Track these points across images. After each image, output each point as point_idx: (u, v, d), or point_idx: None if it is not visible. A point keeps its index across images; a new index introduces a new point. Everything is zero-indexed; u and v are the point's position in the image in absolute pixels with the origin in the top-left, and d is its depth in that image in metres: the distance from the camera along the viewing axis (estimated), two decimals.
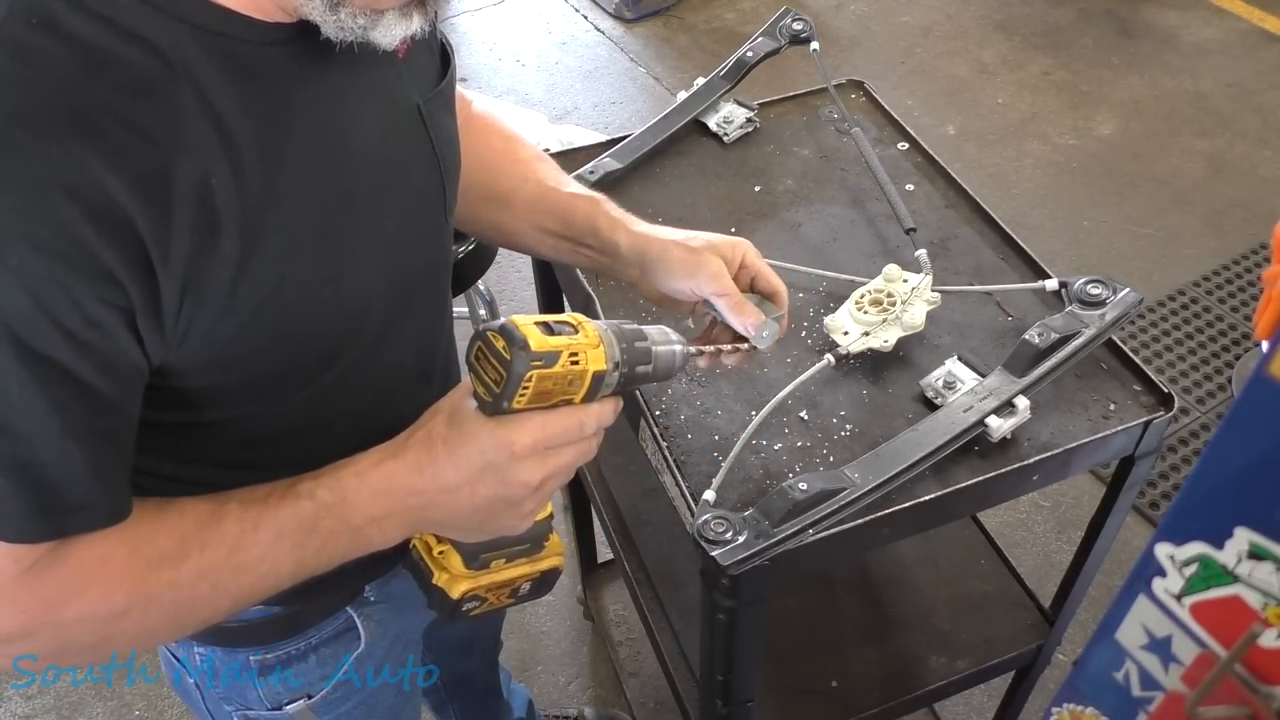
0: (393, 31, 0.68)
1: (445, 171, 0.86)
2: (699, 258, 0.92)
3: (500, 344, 0.69)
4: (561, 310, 1.44)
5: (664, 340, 0.78)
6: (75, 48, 0.60)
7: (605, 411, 0.76)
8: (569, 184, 1.03)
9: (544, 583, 0.88)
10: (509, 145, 1.04)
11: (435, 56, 0.86)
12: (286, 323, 0.73)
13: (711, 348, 0.90)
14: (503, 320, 0.70)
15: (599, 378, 0.72)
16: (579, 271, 1.17)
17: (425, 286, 0.89)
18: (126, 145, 0.61)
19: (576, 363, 0.70)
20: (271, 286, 0.70)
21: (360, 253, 0.77)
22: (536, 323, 0.70)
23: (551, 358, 0.69)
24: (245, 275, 0.68)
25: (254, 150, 0.67)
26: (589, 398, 0.74)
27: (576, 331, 0.71)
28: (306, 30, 0.68)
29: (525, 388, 0.69)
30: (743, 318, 0.91)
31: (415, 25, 0.70)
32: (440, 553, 0.81)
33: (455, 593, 0.81)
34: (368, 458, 0.75)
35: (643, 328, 0.77)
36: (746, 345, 0.92)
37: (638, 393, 1.05)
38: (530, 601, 0.90)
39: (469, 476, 0.73)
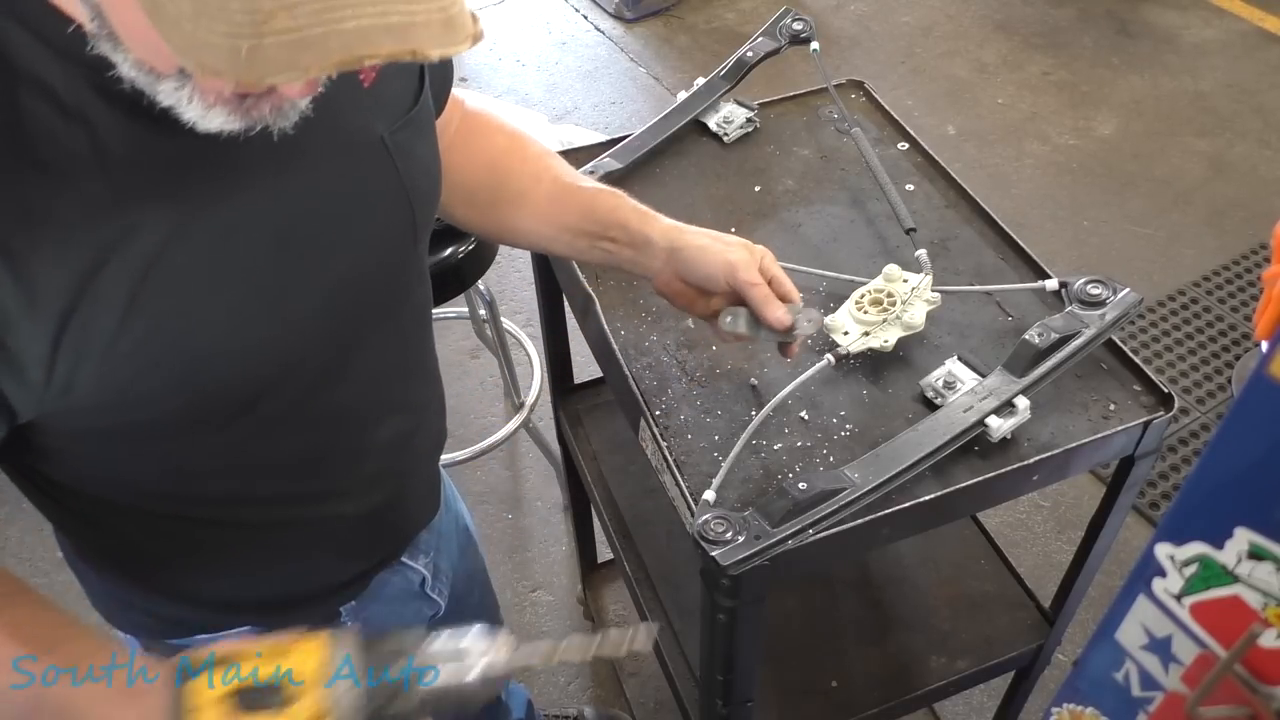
0: (292, 116, 0.63)
1: (415, 201, 0.83)
2: (731, 247, 0.94)
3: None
4: (562, 311, 1.44)
5: (452, 669, 0.60)
6: None
7: None
8: (583, 179, 1.03)
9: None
10: (515, 143, 1.03)
11: (411, 79, 0.83)
12: (192, 368, 0.70)
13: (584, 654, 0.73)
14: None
15: None
16: (579, 271, 1.17)
17: (385, 322, 0.86)
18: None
19: None
20: (173, 332, 0.67)
21: (292, 298, 0.74)
22: (237, 690, 0.56)
23: None
24: (131, 327, 0.65)
25: (157, 199, 0.64)
26: None
27: (288, 704, 0.57)
28: None
29: None
30: (773, 309, 0.91)
31: (227, 123, 0.61)
32: None
33: None
34: (95, 696, 0.67)
35: (426, 651, 0.60)
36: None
37: (637, 393, 1.05)
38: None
39: None
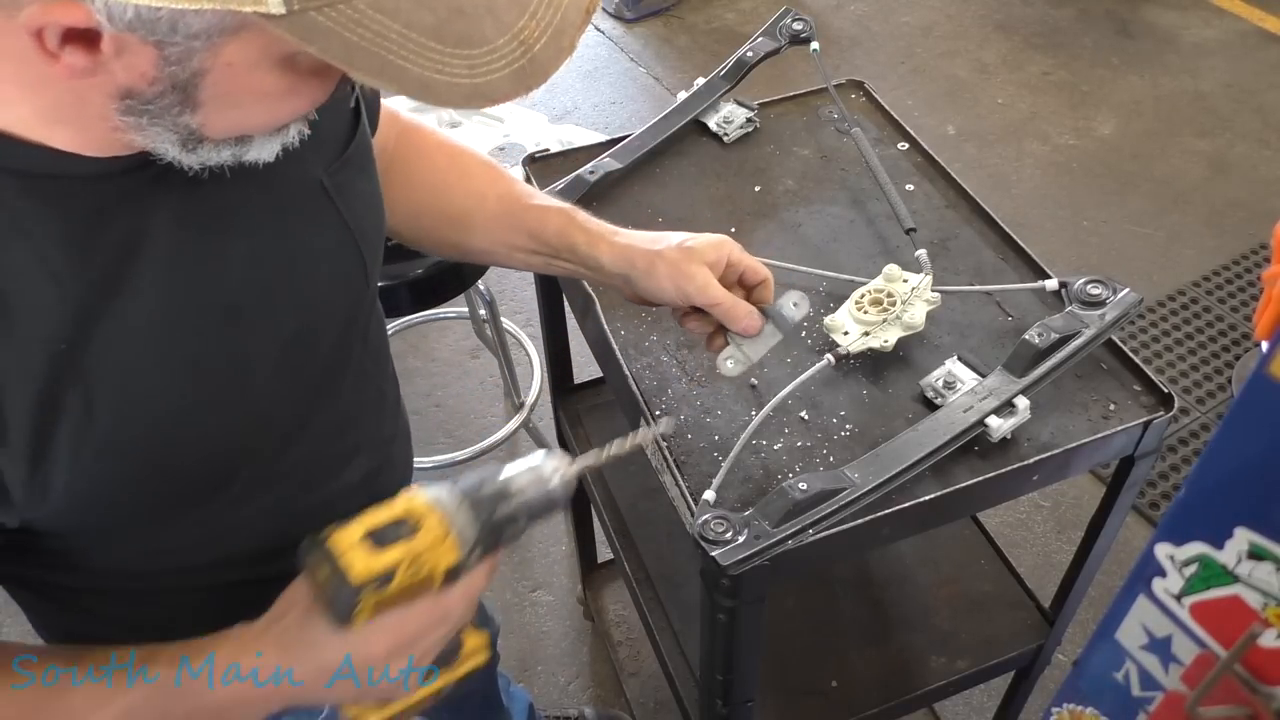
0: (269, 147, 0.63)
1: (363, 243, 0.80)
2: (685, 270, 0.89)
3: (323, 573, 0.63)
4: (562, 312, 1.44)
5: (535, 481, 0.70)
6: None
7: (474, 585, 0.71)
8: (534, 195, 0.99)
9: (466, 681, 0.81)
10: (455, 161, 0.99)
11: (345, 111, 0.79)
12: (164, 454, 0.69)
13: (613, 451, 0.79)
14: (324, 538, 0.63)
15: (454, 570, 0.66)
16: None
17: (344, 369, 0.83)
18: None
19: (418, 572, 0.64)
20: (142, 424, 0.66)
21: (254, 363, 0.72)
22: (367, 533, 0.63)
23: (385, 579, 0.62)
24: (102, 423, 0.64)
25: (102, 294, 0.62)
26: (450, 581, 0.67)
27: (415, 531, 0.64)
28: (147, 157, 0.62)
29: (359, 610, 0.63)
30: (736, 322, 0.89)
31: (293, 132, 0.64)
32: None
33: None
34: (225, 648, 0.70)
35: (509, 478, 0.69)
36: (631, 444, 0.84)
37: (637, 393, 1.05)
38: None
39: (322, 681, 0.69)
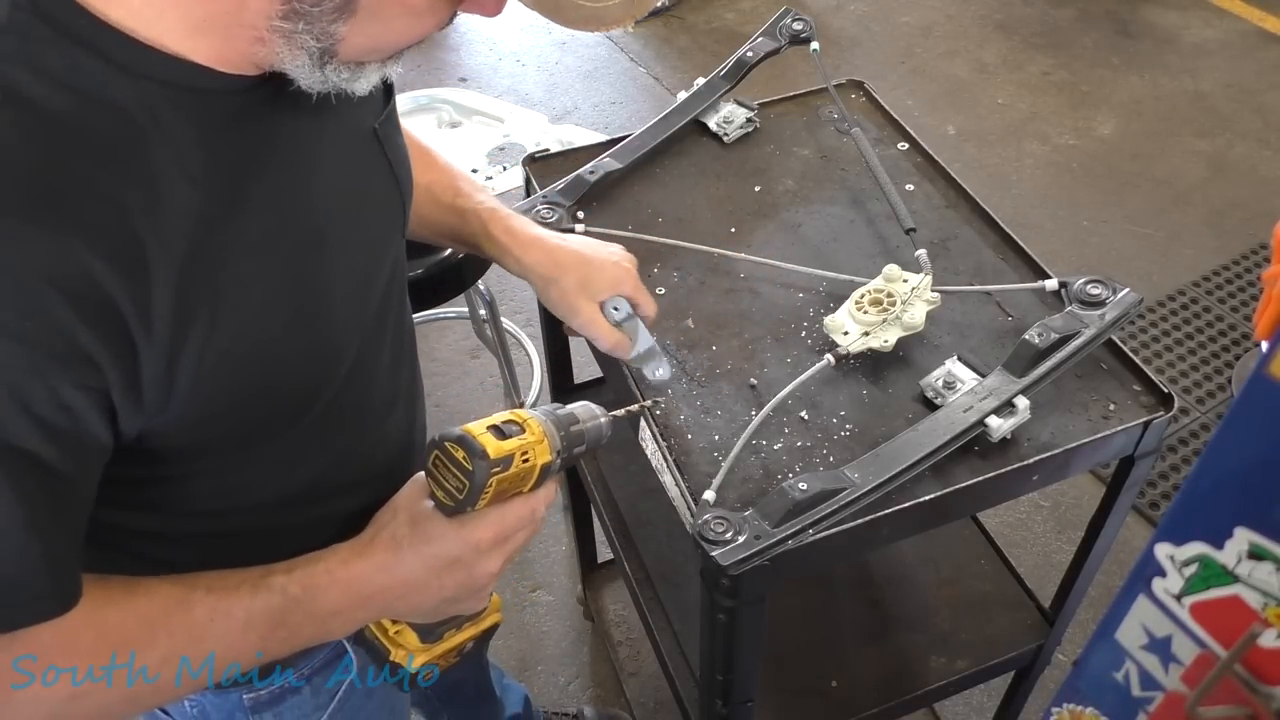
0: (371, 79, 0.68)
1: (403, 191, 0.87)
2: (574, 303, 1.01)
3: (460, 454, 0.74)
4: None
5: (590, 417, 0.85)
6: (42, 121, 0.58)
7: (550, 493, 0.82)
8: (458, 192, 1.04)
9: (485, 638, 0.92)
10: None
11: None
12: (267, 373, 0.72)
13: (622, 411, 0.94)
14: (459, 431, 0.74)
15: (547, 469, 0.79)
16: None
17: (393, 313, 0.89)
18: (103, 220, 0.59)
19: (527, 460, 0.77)
20: (251, 340, 0.69)
21: (335, 291, 0.76)
22: (489, 427, 0.75)
23: (507, 461, 0.75)
24: (223, 332, 0.66)
25: (228, 205, 0.66)
26: (537, 486, 0.80)
27: (523, 430, 0.77)
28: (272, 78, 0.67)
29: (486, 492, 0.75)
30: (607, 350, 1.02)
31: (389, 69, 0.70)
32: (396, 632, 0.85)
33: (414, 666, 0.85)
34: (336, 555, 0.77)
35: (572, 409, 0.84)
36: (641, 405, 1.02)
37: (638, 393, 1.05)
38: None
39: (436, 574, 0.78)
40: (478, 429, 0.75)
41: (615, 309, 1.01)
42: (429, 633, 0.85)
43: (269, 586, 0.74)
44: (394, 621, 0.85)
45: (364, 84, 0.68)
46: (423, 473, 0.80)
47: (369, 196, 0.81)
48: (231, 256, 0.66)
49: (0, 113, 0.57)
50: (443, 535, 0.77)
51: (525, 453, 0.76)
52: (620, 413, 0.92)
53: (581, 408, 0.85)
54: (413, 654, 0.85)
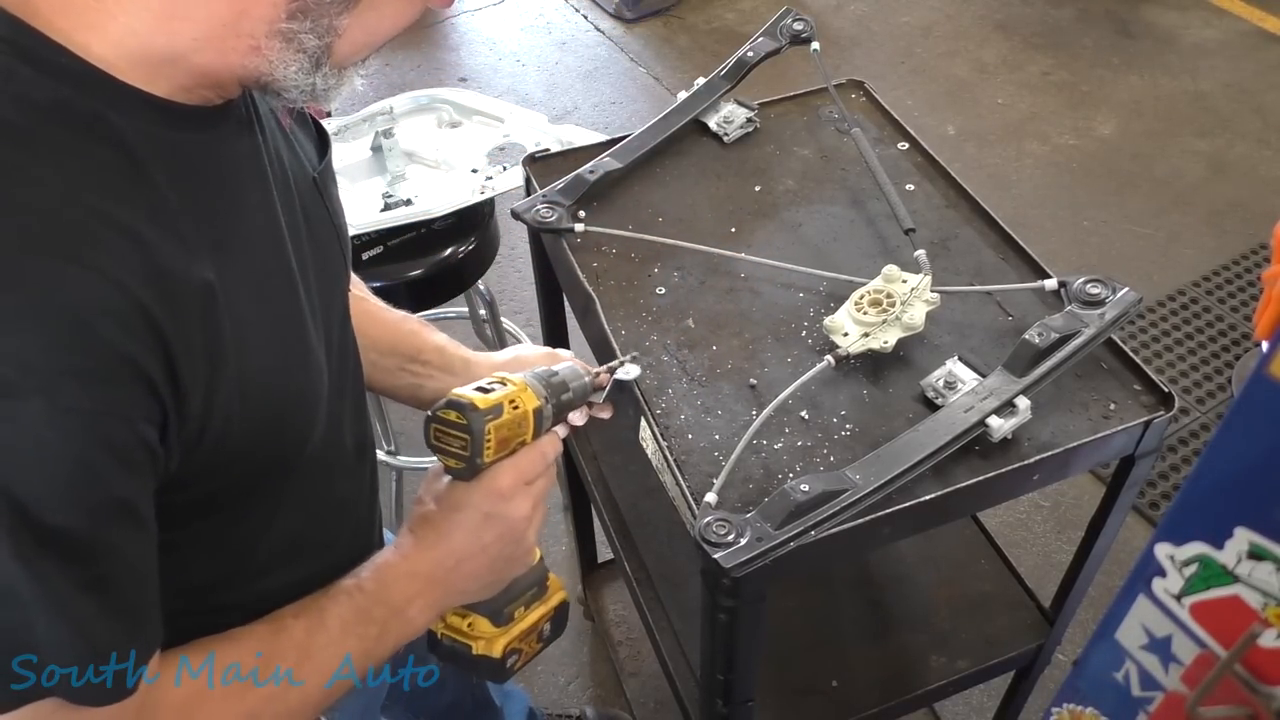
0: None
1: (343, 243, 0.88)
2: (538, 354, 1.05)
3: (453, 415, 0.80)
4: (562, 311, 1.45)
5: (574, 375, 0.92)
6: (49, 157, 0.57)
7: (555, 442, 0.88)
8: (384, 308, 1.06)
9: (559, 619, 0.97)
10: None
11: (310, 129, 0.87)
12: (271, 414, 0.72)
13: (603, 368, 1.00)
14: (447, 396, 0.81)
15: (539, 413, 0.86)
16: (579, 271, 1.17)
17: (350, 363, 0.90)
18: (129, 254, 0.58)
19: (517, 407, 0.83)
20: (258, 380, 0.69)
21: (306, 326, 0.76)
22: (475, 389, 0.82)
23: (497, 409, 0.81)
24: (239, 369, 0.66)
25: (220, 243, 0.66)
26: (537, 434, 0.87)
27: (505, 385, 0.84)
28: (224, 113, 0.68)
29: (489, 440, 0.81)
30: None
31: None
32: (469, 625, 0.89)
33: (497, 652, 0.88)
34: (387, 551, 0.82)
35: (554, 368, 0.92)
36: (621, 360, 1.04)
37: (638, 392, 1.05)
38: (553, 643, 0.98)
39: (475, 533, 0.82)
40: (462, 390, 0.82)
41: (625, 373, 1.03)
42: (497, 614, 0.89)
43: (344, 589, 0.78)
44: (464, 616, 0.89)
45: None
46: (435, 466, 0.85)
47: (318, 243, 0.81)
48: (236, 293, 0.66)
49: (6, 154, 0.56)
50: (466, 497, 0.82)
51: (513, 401, 0.83)
52: (601, 369, 0.99)
53: (565, 368, 0.92)
54: (493, 642, 0.89)
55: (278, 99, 0.68)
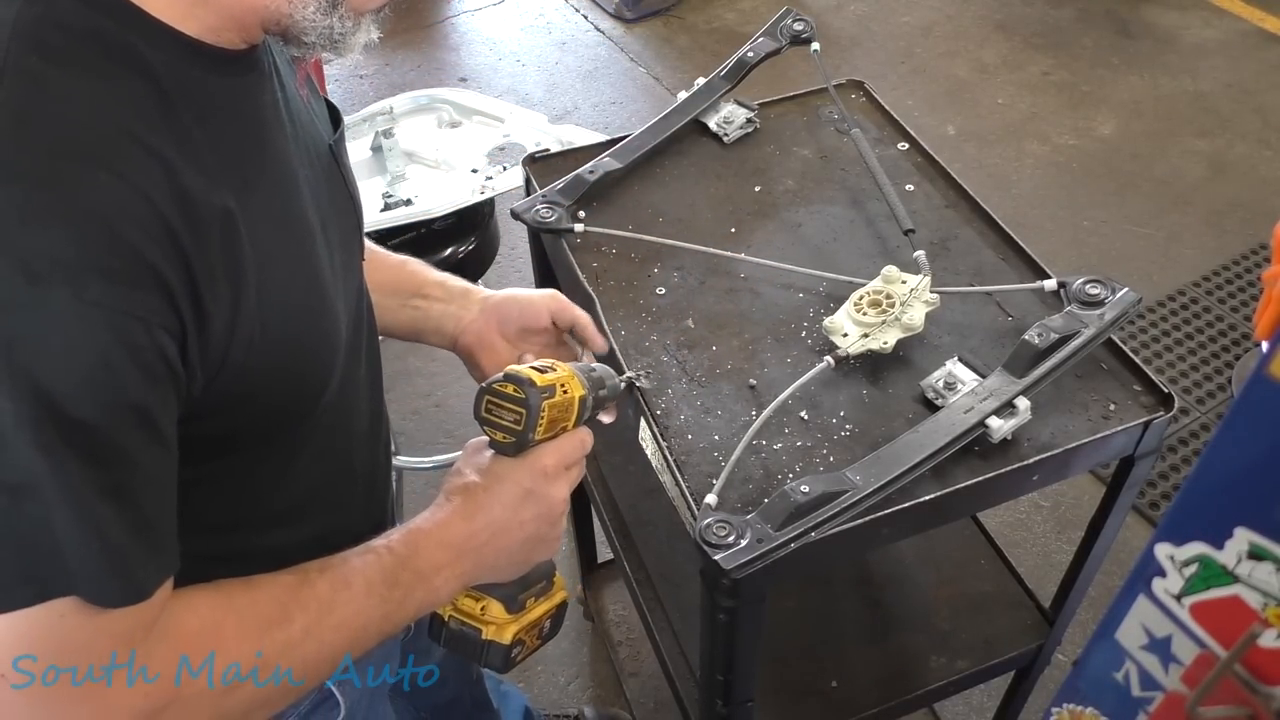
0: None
1: (358, 212, 0.89)
2: (488, 341, 1.04)
3: (511, 389, 0.81)
4: None
5: (609, 375, 0.94)
6: (85, 76, 0.60)
7: (589, 434, 0.89)
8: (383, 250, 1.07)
9: (559, 618, 0.96)
10: None
11: (323, 106, 0.89)
12: (290, 353, 0.73)
13: (625, 375, 1.02)
14: (505, 370, 0.82)
15: (583, 402, 0.87)
16: (579, 271, 1.17)
17: (365, 332, 0.91)
18: (154, 171, 0.60)
19: (566, 392, 0.85)
20: (279, 316, 0.70)
21: (325, 278, 0.78)
22: (530, 367, 0.83)
23: (552, 390, 0.83)
24: (260, 301, 0.68)
25: (243, 179, 0.68)
26: (578, 422, 0.88)
27: (555, 370, 0.85)
28: (249, 60, 0.70)
29: (542, 417, 0.82)
30: (598, 338, 1.05)
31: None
32: (482, 608, 0.88)
33: (507, 639, 0.88)
34: (422, 517, 0.81)
35: (592, 365, 0.93)
36: (628, 376, 1.04)
37: (638, 392, 1.05)
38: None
39: (515, 508, 0.82)
40: (519, 367, 0.83)
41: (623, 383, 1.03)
42: (512, 600, 0.88)
43: (374, 550, 0.77)
44: (478, 599, 0.88)
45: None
46: (474, 440, 0.86)
47: (334, 204, 0.83)
48: (256, 228, 0.68)
49: (48, 70, 0.58)
50: (512, 471, 0.83)
51: (564, 385, 0.85)
52: (629, 374, 1.03)
53: (600, 367, 0.94)
54: (504, 628, 0.89)
55: (299, 46, 0.69)
